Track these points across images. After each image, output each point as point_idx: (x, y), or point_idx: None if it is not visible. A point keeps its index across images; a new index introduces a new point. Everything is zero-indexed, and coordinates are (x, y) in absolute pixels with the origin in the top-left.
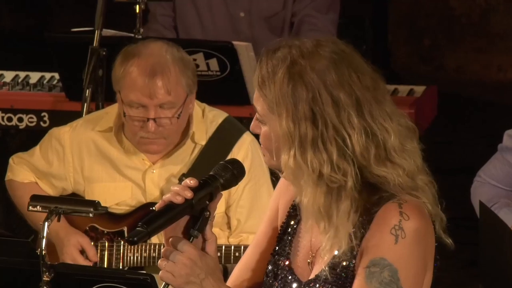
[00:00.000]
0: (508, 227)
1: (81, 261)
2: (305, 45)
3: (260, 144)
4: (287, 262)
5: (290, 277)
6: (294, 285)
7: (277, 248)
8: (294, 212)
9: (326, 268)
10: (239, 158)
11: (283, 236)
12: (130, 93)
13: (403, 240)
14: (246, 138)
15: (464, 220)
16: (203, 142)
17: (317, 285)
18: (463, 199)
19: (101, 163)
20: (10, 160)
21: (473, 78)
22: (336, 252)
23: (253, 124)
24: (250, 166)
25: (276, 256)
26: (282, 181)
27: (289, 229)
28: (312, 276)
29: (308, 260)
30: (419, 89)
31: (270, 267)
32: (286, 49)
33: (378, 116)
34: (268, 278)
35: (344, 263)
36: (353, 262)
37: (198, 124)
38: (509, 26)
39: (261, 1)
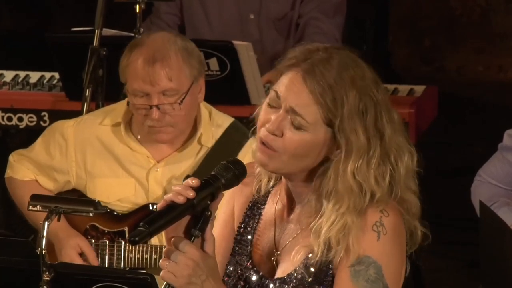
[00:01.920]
0: (508, 226)
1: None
2: (352, 57)
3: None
4: (250, 261)
5: (255, 275)
6: (262, 280)
7: (237, 248)
8: (251, 212)
9: (302, 266)
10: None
11: (243, 237)
12: (134, 82)
13: (385, 236)
14: (252, 144)
15: (464, 221)
16: (209, 145)
17: (292, 284)
18: (463, 200)
19: (105, 158)
20: (10, 157)
21: (474, 78)
22: (312, 251)
23: (277, 124)
24: None
25: (237, 256)
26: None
27: (249, 228)
28: (282, 274)
29: (273, 258)
30: (419, 89)
31: (231, 268)
32: (339, 61)
33: (404, 135)
34: (230, 279)
35: (322, 261)
36: (332, 259)
37: (206, 126)
38: (510, 26)
39: (270, 3)
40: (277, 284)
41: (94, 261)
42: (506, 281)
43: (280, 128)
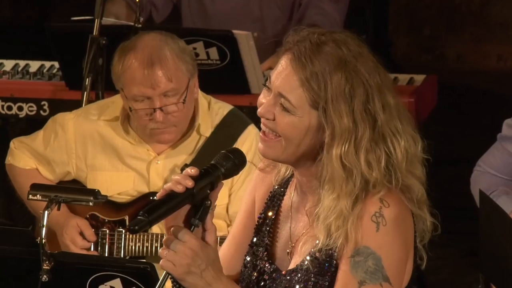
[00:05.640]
0: (508, 215)
1: (80, 241)
2: (349, 41)
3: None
4: (265, 252)
5: (269, 267)
6: (274, 274)
7: (255, 239)
8: (271, 203)
9: (307, 258)
10: (243, 150)
11: (261, 227)
12: (133, 88)
13: (384, 227)
14: (252, 131)
15: (463, 210)
16: (208, 134)
17: (299, 275)
18: (462, 190)
19: (105, 152)
20: (11, 144)
21: (473, 67)
22: (317, 241)
23: (268, 107)
24: (252, 158)
25: (255, 247)
26: (257, 174)
27: (267, 220)
28: (292, 265)
29: (288, 250)
30: (419, 78)
31: (248, 258)
32: (333, 45)
33: (407, 121)
34: (247, 269)
35: (327, 252)
36: (336, 250)
37: (204, 116)
38: (509, 15)
39: None
40: (287, 276)
41: (90, 236)
42: (505, 270)
43: (271, 112)
